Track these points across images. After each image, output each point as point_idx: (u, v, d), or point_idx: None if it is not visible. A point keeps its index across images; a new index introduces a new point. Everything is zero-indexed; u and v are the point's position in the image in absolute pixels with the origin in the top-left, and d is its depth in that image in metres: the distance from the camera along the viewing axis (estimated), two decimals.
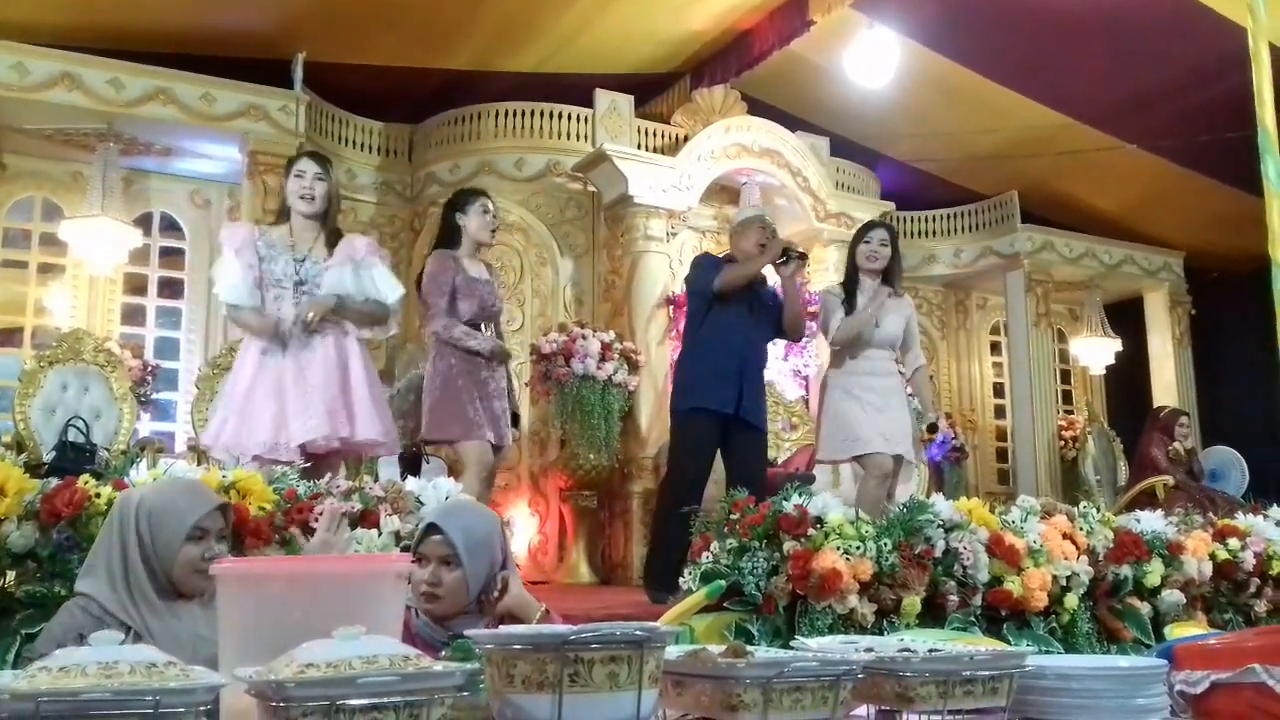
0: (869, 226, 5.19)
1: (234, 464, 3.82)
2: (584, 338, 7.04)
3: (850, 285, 5.00)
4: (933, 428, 5.05)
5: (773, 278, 5.16)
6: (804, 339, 6.66)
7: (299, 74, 7.41)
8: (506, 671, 1.23)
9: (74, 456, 5.36)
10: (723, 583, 3.09)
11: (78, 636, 1.95)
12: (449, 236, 4.82)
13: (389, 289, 4.19)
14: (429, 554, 2.26)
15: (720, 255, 5.19)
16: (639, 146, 8.08)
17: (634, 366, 7.17)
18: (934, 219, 10.28)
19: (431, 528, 2.29)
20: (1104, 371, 10.52)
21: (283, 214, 4.30)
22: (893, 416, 4.83)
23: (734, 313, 4.84)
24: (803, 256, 5.06)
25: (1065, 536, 3.91)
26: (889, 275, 5.01)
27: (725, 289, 4.80)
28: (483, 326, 4.79)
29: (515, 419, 4.95)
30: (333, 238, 4.23)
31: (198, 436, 5.79)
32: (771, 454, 7.27)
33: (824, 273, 8.33)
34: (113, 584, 2.12)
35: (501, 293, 5.09)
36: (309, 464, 3.80)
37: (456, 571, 2.23)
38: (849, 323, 4.88)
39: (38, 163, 7.43)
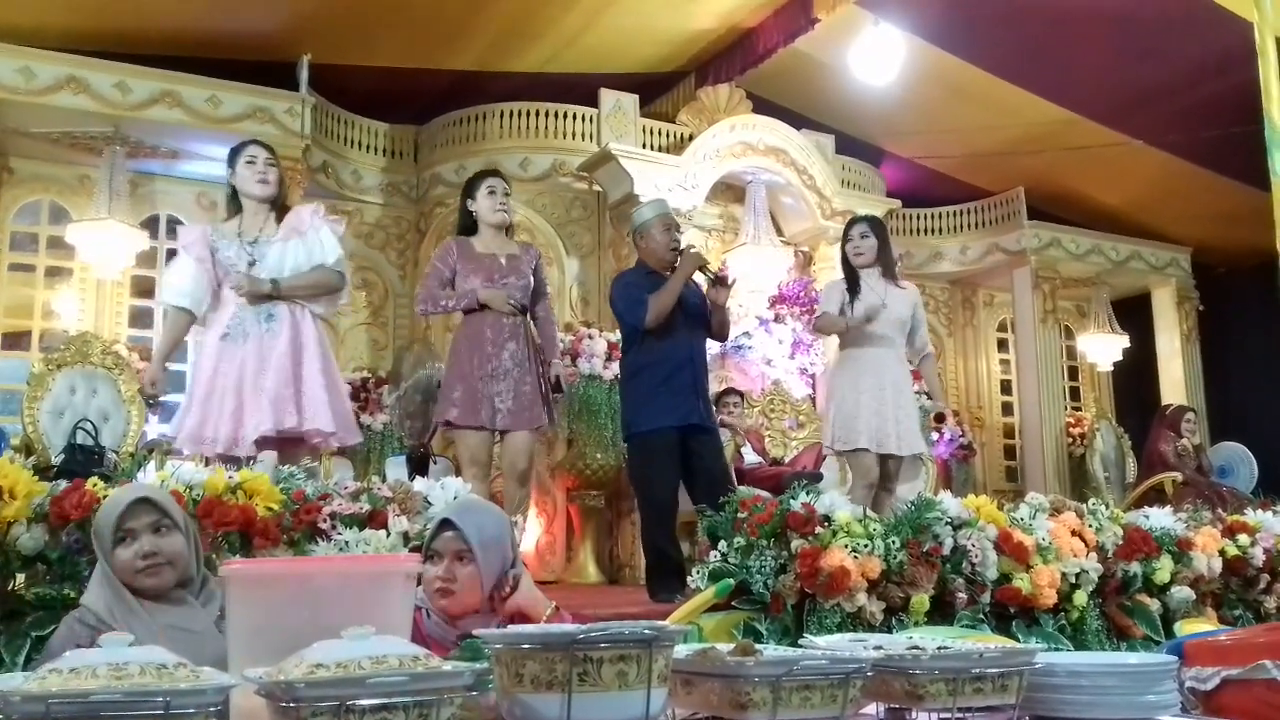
0: (851, 223, 5.24)
1: (194, 458, 3.87)
2: (590, 337, 7.04)
3: (852, 281, 5.01)
4: (940, 417, 4.99)
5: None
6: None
7: (304, 76, 7.42)
8: (515, 671, 1.23)
9: (82, 459, 5.35)
10: (731, 581, 3.10)
11: (75, 649, 1.97)
12: (464, 224, 4.77)
13: (331, 249, 4.21)
14: (442, 550, 2.25)
15: (635, 266, 5.05)
16: (644, 146, 8.08)
17: None
18: (940, 216, 10.26)
19: (445, 524, 2.29)
20: (1111, 368, 10.50)
21: (232, 208, 4.30)
22: (889, 415, 4.79)
23: (669, 325, 4.74)
24: (722, 279, 4.91)
25: (1074, 534, 3.90)
26: (884, 266, 5.02)
27: (657, 320, 4.68)
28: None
29: (555, 384, 4.72)
30: (281, 216, 4.26)
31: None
32: (778, 452, 7.28)
33: (831, 272, 8.29)
34: (101, 592, 2.16)
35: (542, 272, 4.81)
36: (274, 451, 3.88)
37: (470, 567, 2.23)
38: (829, 319, 4.94)
39: (44, 166, 7.44)
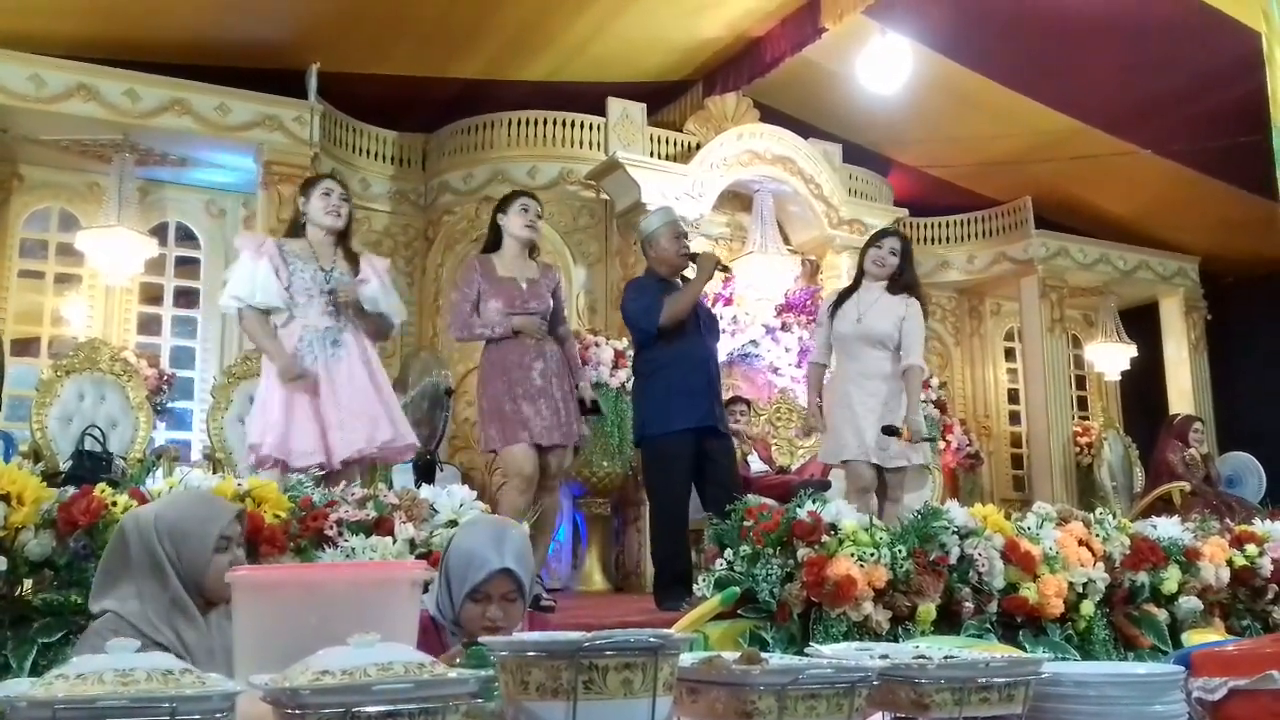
0: (884, 233, 5.16)
1: (276, 474, 3.89)
2: (597, 345, 7.03)
3: (852, 287, 4.98)
4: (891, 430, 4.70)
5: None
6: None
7: (313, 84, 7.45)
8: (521, 678, 1.23)
9: (90, 465, 5.37)
10: (737, 590, 3.10)
11: None
12: (492, 239, 4.83)
13: (398, 312, 4.46)
14: (493, 592, 2.20)
15: (645, 273, 5.04)
16: (651, 154, 8.09)
17: None
18: (947, 225, 10.26)
19: (503, 572, 2.21)
20: (1119, 377, 10.48)
21: (295, 229, 4.39)
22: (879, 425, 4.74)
23: (684, 328, 4.76)
24: (726, 269, 5.30)
25: (1081, 543, 3.88)
26: (896, 282, 4.96)
27: (672, 323, 4.71)
28: None
29: (592, 407, 4.78)
30: (349, 253, 4.38)
31: (213, 446, 5.81)
32: (785, 460, 7.27)
33: (837, 280, 8.30)
34: (141, 600, 2.04)
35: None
36: (333, 470, 3.94)
37: (518, 603, 2.23)
38: (812, 368, 5.17)
39: (54, 174, 7.48)
